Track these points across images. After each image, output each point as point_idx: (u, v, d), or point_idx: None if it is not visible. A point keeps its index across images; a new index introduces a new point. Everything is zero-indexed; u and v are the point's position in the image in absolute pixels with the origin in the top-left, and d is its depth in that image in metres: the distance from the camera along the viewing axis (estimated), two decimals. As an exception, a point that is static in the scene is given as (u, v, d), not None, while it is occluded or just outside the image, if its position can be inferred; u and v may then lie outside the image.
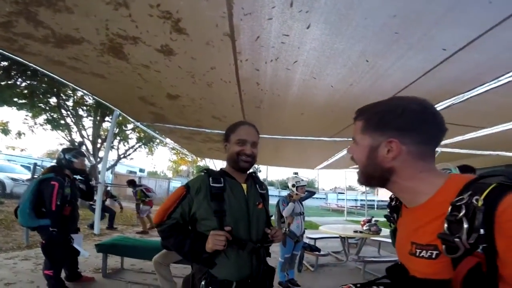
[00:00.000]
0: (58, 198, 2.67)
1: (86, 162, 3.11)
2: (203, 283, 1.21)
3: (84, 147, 9.94)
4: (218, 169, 1.49)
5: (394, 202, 0.89)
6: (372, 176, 0.76)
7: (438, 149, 5.45)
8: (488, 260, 0.54)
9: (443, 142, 5.08)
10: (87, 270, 3.64)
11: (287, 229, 3.59)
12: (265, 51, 2.28)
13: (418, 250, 0.68)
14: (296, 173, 4.15)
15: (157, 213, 1.34)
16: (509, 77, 2.38)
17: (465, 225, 0.56)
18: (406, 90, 2.89)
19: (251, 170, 1.48)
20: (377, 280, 0.86)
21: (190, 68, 2.75)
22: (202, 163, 19.84)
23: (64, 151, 2.99)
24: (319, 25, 1.89)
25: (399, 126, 0.70)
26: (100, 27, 2.05)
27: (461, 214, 0.57)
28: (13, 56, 2.71)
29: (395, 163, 0.71)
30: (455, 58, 2.17)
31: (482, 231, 0.54)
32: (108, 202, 7.76)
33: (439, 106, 3.30)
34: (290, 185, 3.86)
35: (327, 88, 2.99)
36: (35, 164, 6.18)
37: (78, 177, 3.13)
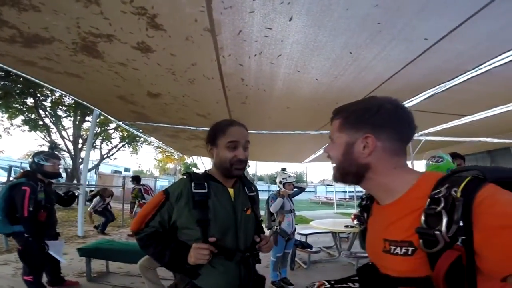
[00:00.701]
0: (31, 204, 2.52)
1: (60, 164, 2.87)
2: None
3: (61, 148, 9.58)
4: (205, 168, 1.35)
5: (365, 202, 0.88)
6: (348, 172, 0.76)
7: (422, 138, 5.57)
8: (467, 253, 0.54)
9: (427, 131, 5.22)
10: (70, 274, 3.46)
11: (278, 228, 3.46)
12: (248, 45, 2.22)
13: (392, 247, 0.67)
14: (284, 169, 3.96)
15: (135, 220, 1.21)
16: (489, 65, 2.43)
17: (445, 218, 0.56)
18: (389, 81, 2.90)
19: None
20: (351, 277, 0.86)
21: (170, 65, 2.65)
22: (190, 160, 19.63)
23: (35, 154, 2.77)
24: (301, 17, 1.84)
25: (374, 123, 0.72)
26: (71, 25, 1.93)
27: (441, 206, 0.57)
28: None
29: (371, 159, 0.72)
30: (437, 47, 2.18)
31: (461, 223, 0.55)
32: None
33: (421, 96, 3.36)
34: (277, 181, 3.72)
35: (312, 81, 2.97)
36: (11, 167, 5.87)
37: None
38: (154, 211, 1.18)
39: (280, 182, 3.61)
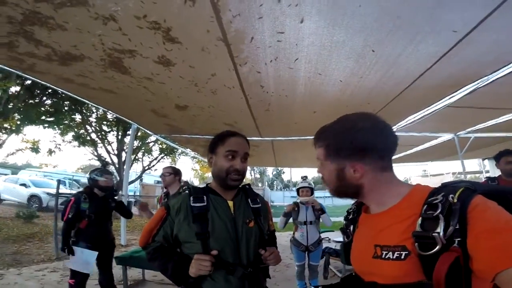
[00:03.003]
0: (71, 212, 2.83)
1: (113, 179, 3.22)
2: None
3: (110, 165, 10.37)
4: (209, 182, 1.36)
5: (351, 215, 0.91)
6: (346, 193, 0.80)
7: (471, 135, 5.16)
8: (464, 253, 0.57)
9: (475, 127, 4.76)
10: None
11: (292, 237, 3.43)
12: (262, 51, 2.20)
13: (384, 252, 0.69)
14: (303, 177, 3.71)
15: (142, 235, 1.26)
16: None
17: (442, 221, 0.60)
18: (423, 77, 2.68)
19: (245, 182, 1.33)
20: (336, 285, 0.88)
21: (191, 77, 2.74)
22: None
23: (91, 171, 3.18)
24: (312, 17, 1.78)
25: (356, 149, 0.74)
26: (96, 42, 2.06)
27: (438, 211, 0.61)
28: (27, 76, 2.82)
29: (363, 180, 0.76)
30: (469, 39, 1.97)
31: (458, 225, 0.59)
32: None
33: (463, 91, 3.05)
34: (296, 191, 3.59)
35: (336, 83, 2.85)
36: (59, 181, 6.60)
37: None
38: (158, 226, 1.22)
39: (297, 191, 3.52)
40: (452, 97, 3.22)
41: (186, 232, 1.16)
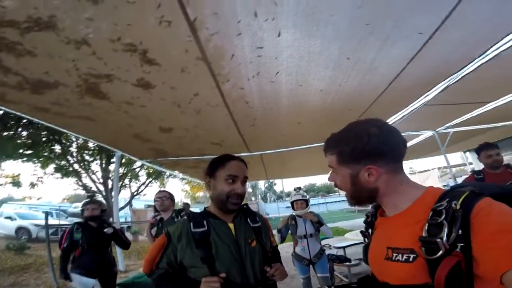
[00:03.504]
0: (66, 241, 3.05)
1: (97, 208, 3.31)
2: None
3: (97, 194, 10.04)
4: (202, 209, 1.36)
5: (370, 218, 0.93)
6: (362, 198, 0.82)
7: (450, 130, 5.36)
8: (466, 258, 0.59)
9: (452, 122, 4.96)
10: None
11: (293, 252, 3.32)
12: (244, 68, 2.23)
13: (394, 254, 0.72)
14: (297, 189, 3.61)
15: (145, 263, 1.24)
16: (496, 49, 2.27)
17: (446, 227, 0.62)
18: (398, 80, 2.78)
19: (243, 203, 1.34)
20: (352, 283, 0.90)
21: (173, 98, 2.72)
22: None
23: (83, 204, 3.40)
24: (288, 30, 1.83)
25: (370, 153, 0.76)
26: (70, 68, 1.97)
27: (442, 217, 0.63)
28: (-1, 106, 2.67)
29: (378, 184, 0.78)
30: (435, 39, 2.07)
31: (460, 231, 0.61)
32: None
33: (436, 90, 3.18)
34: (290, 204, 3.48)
35: (316, 92, 2.92)
36: (47, 213, 6.72)
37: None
38: (161, 253, 1.21)
39: (291, 204, 3.42)
40: (427, 95, 3.35)
41: (190, 257, 1.15)
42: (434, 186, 0.78)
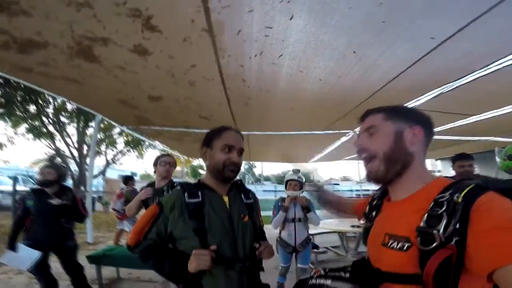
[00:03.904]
0: (19, 209, 2.77)
1: (51, 172, 2.79)
2: None
3: (66, 156, 9.62)
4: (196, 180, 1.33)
5: (375, 201, 0.92)
6: (395, 161, 0.77)
7: None
8: (458, 253, 0.58)
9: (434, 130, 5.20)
10: None
11: (278, 237, 3.08)
12: (248, 45, 2.15)
13: (391, 241, 0.72)
14: (296, 170, 3.31)
15: (132, 234, 1.19)
16: (498, 64, 2.32)
17: (445, 220, 0.61)
18: (395, 80, 2.80)
19: (236, 178, 1.31)
20: (345, 267, 0.88)
21: (169, 68, 2.60)
22: (196, 162, 19.63)
23: (39, 167, 2.97)
24: (302, 15, 1.76)
25: (419, 118, 0.79)
26: (64, 29, 1.86)
27: (442, 209, 0.63)
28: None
29: (415, 149, 0.77)
30: (444, 47, 2.09)
31: (458, 225, 0.59)
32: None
33: (428, 95, 3.25)
34: (284, 184, 3.18)
35: (315, 81, 2.88)
36: (15, 177, 6.02)
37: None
38: (151, 223, 1.16)
39: (286, 183, 3.14)
40: (419, 100, 3.42)
41: (182, 228, 1.13)
42: (442, 178, 0.77)
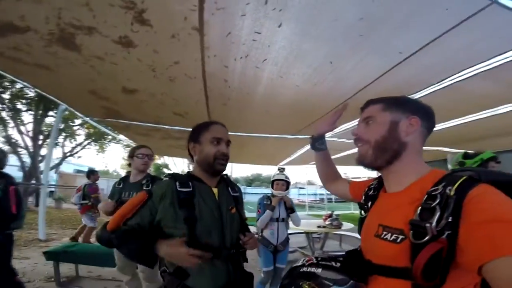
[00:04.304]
0: None
1: None
2: None
3: (17, 145, 8.78)
4: (177, 169, 1.36)
5: (371, 192, 0.92)
6: (388, 149, 0.79)
7: None
8: (449, 246, 0.58)
9: None
10: (37, 280, 3.29)
11: (259, 234, 2.99)
12: (236, 48, 2.22)
13: (384, 232, 0.71)
14: (281, 169, 3.30)
15: (112, 219, 1.17)
16: (451, 80, 2.65)
17: (438, 213, 0.61)
18: (363, 91, 3.04)
19: (224, 172, 1.37)
20: (337, 257, 0.90)
21: (151, 62, 2.57)
22: (161, 160, 18.96)
23: None
24: (290, 24, 1.89)
25: (418, 108, 0.81)
26: (51, 15, 1.81)
27: (436, 202, 0.62)
28: None
29: (410, 139, 0.78)
30: (409, 61, 2.33)
31: (450, 218, 0.59)
32: None
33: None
34: (271, 184, 3.17)
35: (292, 87, 3.03)
36: None
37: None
38: (135, 210, 1.16)
39: (271, 183, 3.13)
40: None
41: (171, 217, 1.14)
42: (438, 170, 0.77)
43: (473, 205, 0.59)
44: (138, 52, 2.37)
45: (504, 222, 0.54)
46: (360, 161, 0.85)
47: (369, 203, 0.90)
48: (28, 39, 2.14)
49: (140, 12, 1.74)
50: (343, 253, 0.86)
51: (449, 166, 2.25)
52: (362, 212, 0.93)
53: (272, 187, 3.14)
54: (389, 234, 0.70)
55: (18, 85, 8.01)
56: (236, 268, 1.24)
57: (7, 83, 7.98)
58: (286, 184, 3.10)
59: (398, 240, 0.67)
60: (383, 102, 0.84)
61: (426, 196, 0.66)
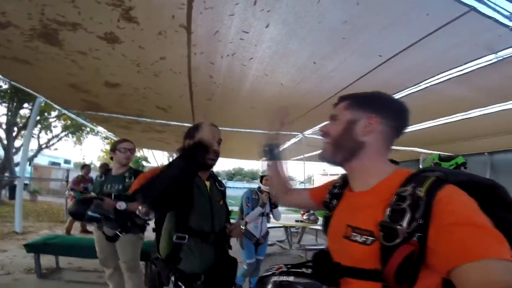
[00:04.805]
0: None
1: None
2: (172, 278, 1.19)
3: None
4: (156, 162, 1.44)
5: (336, 189, 0.89)
6: (343, 147, 0.79)
7: None
8: (420, 248, 0.57)
9: None
10: (17, 272, 3.21)
11: (243, 228, 3.03)
12: (222, 46, 2.25)
13: (353, 234, 0.69)
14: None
15: (136, 183, 1.22)
16: (427, 83, 2.80)
17: (408, 214, 0.60)
18: (344, 90, 3.15)
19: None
20: (306, 262, 0.89)
21: (136, 57, 2.56)
22: (140, 153, 18.56)
23: None
24: (277, 25, 1.94)
25: (380, 106, 0.78)
26: (34, 11, 1.80)
27: (406, 204, 0.61)
28: None
29: (368, 139, 0.76)
30: (388, 64, 2.45)
31: (421, 220, 0.58)
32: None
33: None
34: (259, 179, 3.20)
35: (277, 85, 3.10)
36: None
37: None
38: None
39: (261, 178, 3.22)
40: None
41: None
42: (402, 169, 0.77)
43: (442, 207, 0.58)
44: (123, 48, 2.36)
45: (471, 225, 0.55)
46: (321, 156, 0.85)
47: (334, 201, 0.87)
48: (8, 34, 2.11)
49: (127, 9, 1.74)
50: (311, 259, 0.85)
51: (421, 166, 2.34)
52: (327, 211, 0.91)
53: (261, 182, 3.25)
54: (359, 236, 0.68)
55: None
56: (222, 252, 1.38)
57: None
58: None
59: (368, 242, 0.65)
60: (349, 100, 0.82)
61: (395, 196, 0.64)
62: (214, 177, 1.52)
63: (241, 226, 2.92)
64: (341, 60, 2.48)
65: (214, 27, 1.98)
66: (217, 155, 1.39)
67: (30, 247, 3.14)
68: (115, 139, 9.16)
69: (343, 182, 0.89)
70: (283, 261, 4.65)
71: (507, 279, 0.48)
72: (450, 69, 2.49)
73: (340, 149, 0.79)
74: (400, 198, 0.63)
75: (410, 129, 4.59)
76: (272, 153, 1.18)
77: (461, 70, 2.45)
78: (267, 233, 3.22)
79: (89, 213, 1.97)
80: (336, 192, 0.89)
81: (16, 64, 2.74)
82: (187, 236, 1.22)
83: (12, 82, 3.79)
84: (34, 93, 4.21)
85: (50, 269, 3.39)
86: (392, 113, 0.77)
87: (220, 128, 4.68)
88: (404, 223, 0.59)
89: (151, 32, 2.06)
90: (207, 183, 1.41)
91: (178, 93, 3.58)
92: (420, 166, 2.32)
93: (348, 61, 2.49)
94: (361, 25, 1.95)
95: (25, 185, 11.83)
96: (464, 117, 3.71)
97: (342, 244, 0.72)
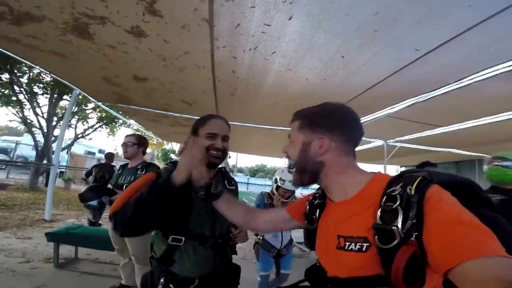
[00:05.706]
0: None
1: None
2: (162, 280, 1.14)
3: (33, 125, 9.09)
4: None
5: (317, 201, 0.88)
6: (304, 170, 0.79)
7: (397, 144, 5.78)
8: (420, 247, 0.57)
9: (402, 138, 5.43)
10: (36, 260, 3.33)
11: (260, 238, 2.60)
12: (244, 39, 2.21)
13: (347, 243, 0.68)
14: (290, 166, 2.45)
15: (117, 201, 1.14)
16: (470, 80, 2.56)
17: (401, 214, 0.59)
18: (375, 87, 2.99)
19: (221, 165, 1.37)
20: (301, 281, 0.87)
21: (162, 51, 2.60)
22: (169, 146, 19.23)
23: None
24: (301, 17, 1.86)
25: (328, 124, 0.77)
26: (66, 5, 1.88)
27: (397, 204, 0.60)
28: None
29: (325, 158, 0.76)
30: (425, 58, 2.27)
31: (415, 219, 0.58)
32: None
33: (402, 104, 3.48)
34: (273, 179, 2.65)
35: (302, 80, 3.01)
36: None
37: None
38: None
39: (276, 182, 2.56)
40: (393, 108, 3.65)
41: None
42: (381, 172, 0.76)
43: (433, 204, 0.58)
44: (149, 42, 2.40)
45: (462, 223, 0.54)
46: (293, 184, 0.87)
47: (317, 213, 0.86)
48: (44, 27, 2.23)
49: (151, 3, 1.76)
50: (303, 279, 0.84)
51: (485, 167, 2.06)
52: (309, 224, 0.88)
53: (277, 191, 2.57)
54: (353, 244, 0.66)
55: (36, 70, 8.23)
56: (222, 258, 1.27)
57: (25, 68, 8.26)
58: (291, 194, 2.57)
59: (364, 249, 0.64)
60: (299, 120, 0.82)
61: (385, 197, 0.64)
62: (223, 175, 1.41)
63: (259, 237, 2.63)
64: (371, 54, 2.33)
65: (236, 20, 1.95)
66: (220, 152, 1.26)
67: (51, 236, 3.21)
68: (145, 131, 9.55)
69: (323, 192, 0.87)
70: (301, 263, 4.56)
71: (505, 274, 0.48)
72: (495, 65, 2.26)
73: (303, 172, 0.79)
74: (389, 198, 0.63)
75: (447, 129, 4.33)
76: (210, 194, 1.07)
77: (506, 67, 2.22)
78: (290, 242, 2.67)
79: (90, 202, 2.03)
80: (317, 203, 0.87)
81: (53, 57, 2.90)
82: (183, 239, 1.16)
83: (51, 74, 4.04)
84: (71, 85, 4.47)
85: (68, 259, 3.51)
86: (341, 127, 0.77)
87: (242, 124, 4.66)
88: (399, 223, 0.58)
89: (175, 26, 2.08)
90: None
91: (202, 88, 3.61)
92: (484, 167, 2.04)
93: (379, 55, 2.34)
94: (395, 16, 1.81)
95: (61, 173, 12.67)
96: (510, 116, 3.40)
97: (337, 256, 0.70)
